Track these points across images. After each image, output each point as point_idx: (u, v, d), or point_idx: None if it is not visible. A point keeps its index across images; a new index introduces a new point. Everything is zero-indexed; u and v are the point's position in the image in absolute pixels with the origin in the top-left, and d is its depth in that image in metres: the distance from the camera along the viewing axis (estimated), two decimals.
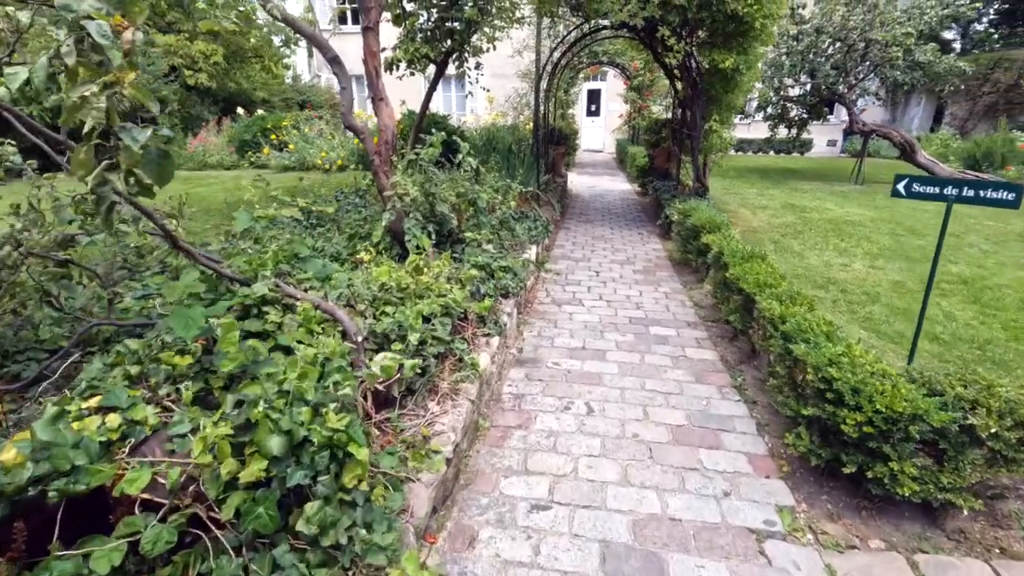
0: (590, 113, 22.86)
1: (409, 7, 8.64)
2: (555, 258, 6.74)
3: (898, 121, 21.61)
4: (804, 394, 2.74)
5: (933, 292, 5.07)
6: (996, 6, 20.17)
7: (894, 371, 2.43)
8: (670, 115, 12.26)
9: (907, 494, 2.26)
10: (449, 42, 8.77)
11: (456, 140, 10.61)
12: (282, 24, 10.09)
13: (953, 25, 10.99)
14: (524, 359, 4.01)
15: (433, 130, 4.79)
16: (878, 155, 19.12)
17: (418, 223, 3.93)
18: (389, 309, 2.86)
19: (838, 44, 11.63)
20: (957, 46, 22.11)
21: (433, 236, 4.01)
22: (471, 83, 9.59)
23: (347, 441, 1.76)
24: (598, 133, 22.91)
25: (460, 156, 4.59)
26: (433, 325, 3.08)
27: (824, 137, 20.60)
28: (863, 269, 5.78)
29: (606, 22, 7.83)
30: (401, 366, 2.26)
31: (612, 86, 21.09)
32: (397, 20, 8.59)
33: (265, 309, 2.48)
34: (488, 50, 9.93)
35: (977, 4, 10.65)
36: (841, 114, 18.81)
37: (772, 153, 20.05)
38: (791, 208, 9.38)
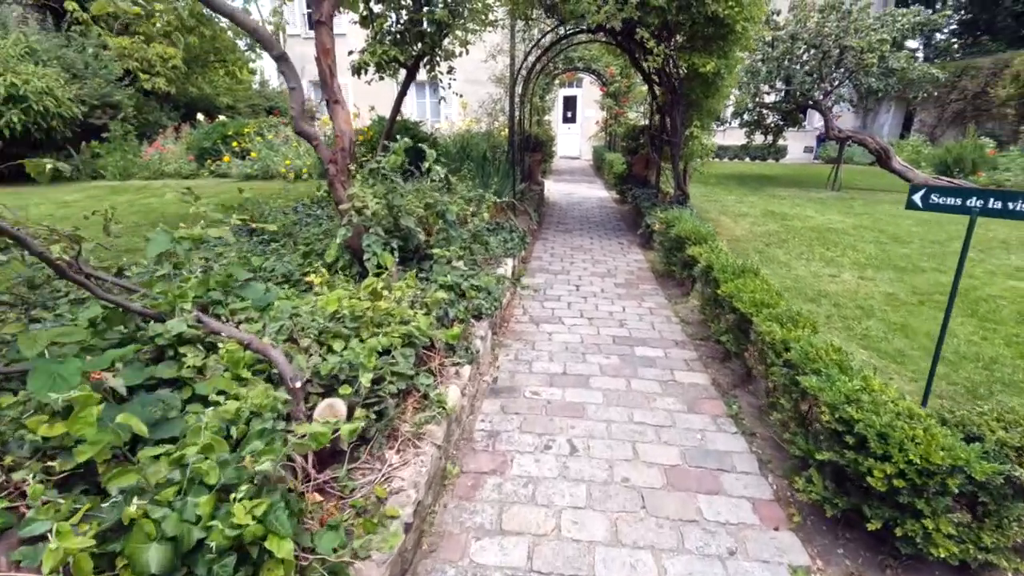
0: (566, 120, 22.70)
1: (377, 8, 8.25)
2: (533, 271, 6.38)
3: (869, 128, 21.93)
4: (815, 432, 2.41)
5: (929, 305, 4.86)
6: (959, 16, 20.63)
7: (923, 412, 2.12)
8: (647, 122, 12.07)
9: (943, 556, 1.94)
10: (420, 45, 8.40)
11: (425, 148, 10.25)
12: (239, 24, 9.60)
13: (917, 34, 10.98)
14: (499, 388, 3.63)
15: (398, 136, 4.39)
16: (851, 161, 19.30)
17: (379, 239, 3.52)
18: (337, 345, 2.45)
19: (813, 51, 11.59)
20: (920, 55, 22.59)
21: (397, 253, 3.61)
22: (443, 88, 9.23)
23: (264, 535, 1.35)
24: (574, 140, 22.75)
25: (427, 164, 4.20)
26: (393, 358, 2.68)
27: (799, 144, 20.76)
28: (853, 280, 5.55)
29: (583, 25, 7.55)
30: (337, 430, 1.86)
31: (588, 93, 20.96)
32: (364, 22, 8.20)
33: (183, 350, 2.05)
34: (461, 54, 9.60)
35: (947, 12, 10.70)
36: (814, 121, 18.98)
37: (748, 159, 20.10)
38: (772, 216, 9.20)
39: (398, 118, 11.17)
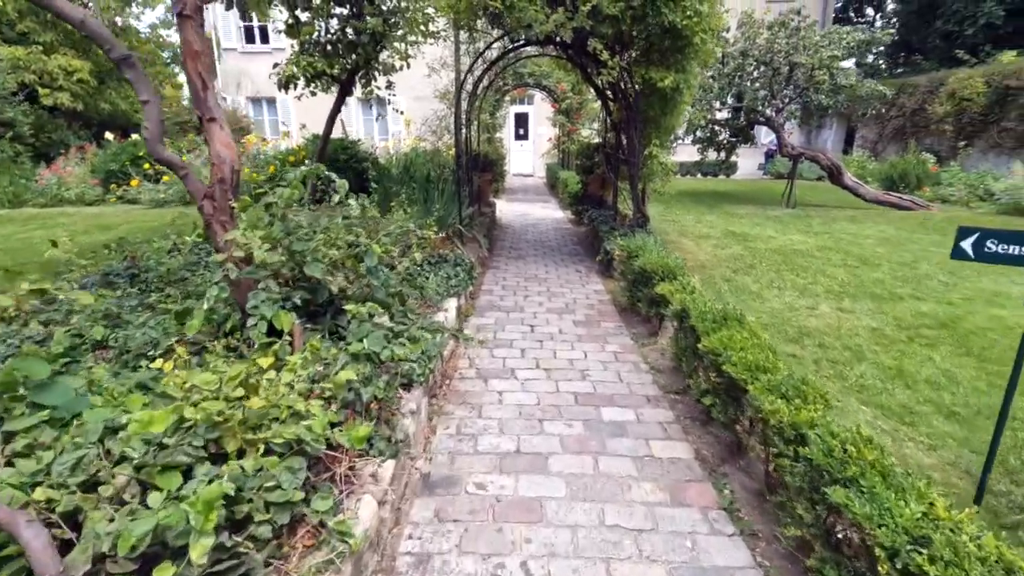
0: (519, 137, 22.28)
1: (304, 16, 7.44)
2: (482, 309, 5.64)
3: (813, 144, 22.46)
4: (857, 570, 1.75)
5: (919, 341, 4.39)
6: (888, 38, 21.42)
7: (1018, 558, 1.48)
8: (601, 139, 11.66)
9: None
10: (353, 57, 7.62)
11: (368, 169, 9.39)
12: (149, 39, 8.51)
13: (865, 52, 11.03)
14: (435, 481, 2.85)
15: (303, 166, 3.59)
16: (800, 176, 19.56)
17: (271, 297, 2.71)
18: (167, 482, 1.63)
19: (763, 67, 11.47)
20: (853, 75, 23.41)
21: (294, 315, 2.80)
22: (383, 104, 8.45)
23: None
24: (527, 157, 22.33)
25: (337, 197, 3.43)
26: (272, 479, 1.88)
27: (749, 160, 20.98)
28: (832, 313, 5.08)
29: (530, 36, 6.98)
30: None
31: (540, 109, 20.60)
32: (291, 31, 7.37)
33: None
34: (401, 68, 8.88)
35: (890, 31, 10.78)
36: (762, 136, 19.17)
37: (700, 176, 20.12)
38: (733, 237, 8.82)
39: (336, 136, 10.32)
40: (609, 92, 7.66)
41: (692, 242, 8.43)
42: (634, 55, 6.36)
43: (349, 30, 7.44)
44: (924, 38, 17.62)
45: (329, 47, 7.77)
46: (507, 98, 17.68)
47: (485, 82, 8.96)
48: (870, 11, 23.57)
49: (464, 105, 8.45)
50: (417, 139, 14.31)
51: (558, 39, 6.61)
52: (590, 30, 5.78)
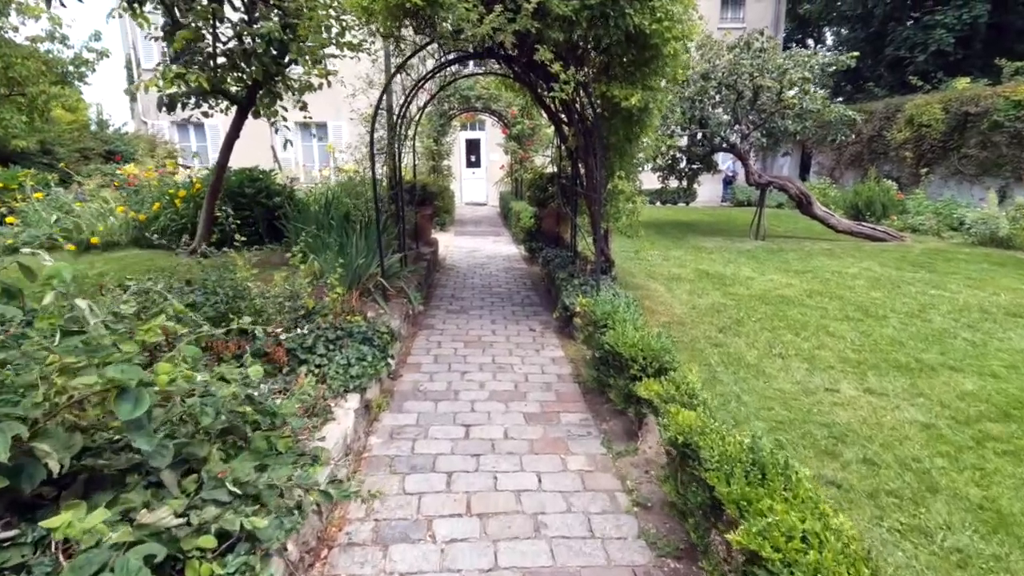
0: (470, 164, 21.13)
1: (188, 19, 5.99)
2: (402, 397, 4.21)
3: (769, 171, 22.22)
4: None
5: (993, 447, 3.22)
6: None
7: None
8: (556, 168, 10.55)
9: None
10: (251, 70, 6.19)
11: (283, 205, 7.84)
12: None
13: (828, 76, 10.38)
14: None
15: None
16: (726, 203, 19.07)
17: None
18: None
19: (725, 91, 10.67)
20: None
21: None
22: (286, 127, 7.03)
23: None
24: (480, 185, 21.17)
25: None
26: None
27: (707, 187, 20.42)
28: (861, 398, 3.89)
29: (466, 46, 5.74)
30: None
31: (492, 135, 19.54)
32: (168, 35, 5.90)
33: None
34: (321, 87, 7.51)
35: (855, 54, 10.18)
36: (719, 163, 18.60)
37: (660, 204, 19.38)
38: (708, 278, 7.71)
39: (258, 164, 8.74)
40: (563, 115, 6.48)
41: (663, 286, 7.26)
42: (592, 70, 5.19)
43: (247, 38, 6.02)
44: (874, 65, 17.61)
45: (222, 58, 6.32)
46: (456, 123, 16.52)
47: (420, 102, 7.67)
48: (810, 42, 23.92)
49: (400, 130, 7.13)
50: (354, 168, 12.86)
51: (499, 50, 5.40)
52: (537, 35, 4.57)
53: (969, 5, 14.41)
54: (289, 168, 16.33)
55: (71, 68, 9.51)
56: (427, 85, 8.19)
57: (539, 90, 6.75)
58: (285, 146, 7.14)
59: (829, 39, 20.67)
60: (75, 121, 14.17)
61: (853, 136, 11.35)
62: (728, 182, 19.93)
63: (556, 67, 4.59)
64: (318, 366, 3.66)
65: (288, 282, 4.61)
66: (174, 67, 5.57)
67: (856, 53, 10.42)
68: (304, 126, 20.87)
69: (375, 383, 3.99)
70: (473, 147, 20.89)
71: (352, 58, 7.32)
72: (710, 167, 12.54)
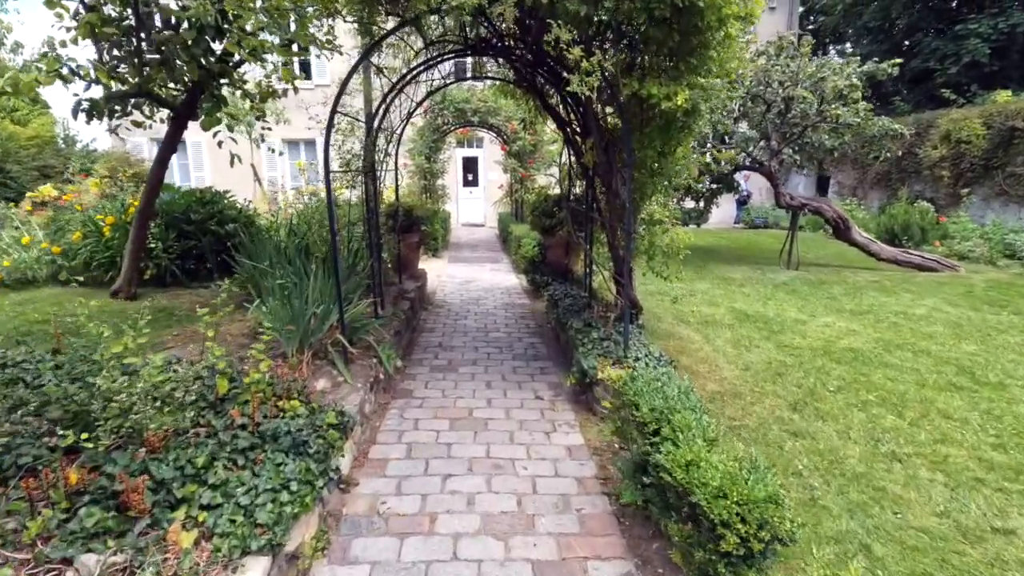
0: (467, 183, 19.94)
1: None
2: (351, 529, 2.83)
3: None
4: None
5: None
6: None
7: None
8: (560, 188, 9.28)
9: None
10: (185, 67, 4.94)
11: (238, 233, 6.45)
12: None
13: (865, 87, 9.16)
14: None
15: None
16: (777, 226, 17.86)
17: None
18: None
19: (750, 103, 9.46)
20: None
21: None
22: (236, 135, 5.77)
23: None
24: (478, 205, 19.94)
25: None
26: None
27: (720, 208, 19.22)
28: None
29: (450, 29, 4.50)
30: None
31: (490, 152, 18.37)
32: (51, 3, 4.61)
33: None
34: (286, 93, 6.30)
35: (898, 61, 9.00)
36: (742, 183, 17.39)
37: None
38: (749, 321, 6.38)
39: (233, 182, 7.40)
40: (576, 124, 5.21)
41: (698, 334, 5.92)
42: (622, 62, 3.91)
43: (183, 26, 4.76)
44: (896, 78, 16.55)
45: (133, 48, 5.05)
46: (451, 140, 15.34)
47: (398, 109, 6.40)
48: (832, 53, 22.88)
49: (354, 144, 5.88)
50: (341, 186, 11.60)
51: (496, 40, 4.16)
52: (548, 6, 3.30)
53: (1006, 13, 13.35)
54: (278, 189, 15.08)
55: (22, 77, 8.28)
56: (414, 93, 6.95)
57: (546, 95, 5.50)
58: (232, 162, 5.85)
59: (844, 51, 19.65)
60: (36, 137, 12.96)
61: (894, 152, 10.13)
62: (742, 203, 18.73)
63: (575, 52, 3.31)
64: (206, 507, 2.29)
65: (214, 343, 3.28)
66: (48, 57, 4.29)
67: (899, 60, 9.24)
68: (292, 144, 19.75)
69: (309, 515, 2.62)
70: (470, 165, 19.73)
71: (320, 56, 6.11)
72: (731, 187, 11.30)
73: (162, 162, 5.45)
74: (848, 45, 18.83)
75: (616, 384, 3.31)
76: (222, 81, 5.38)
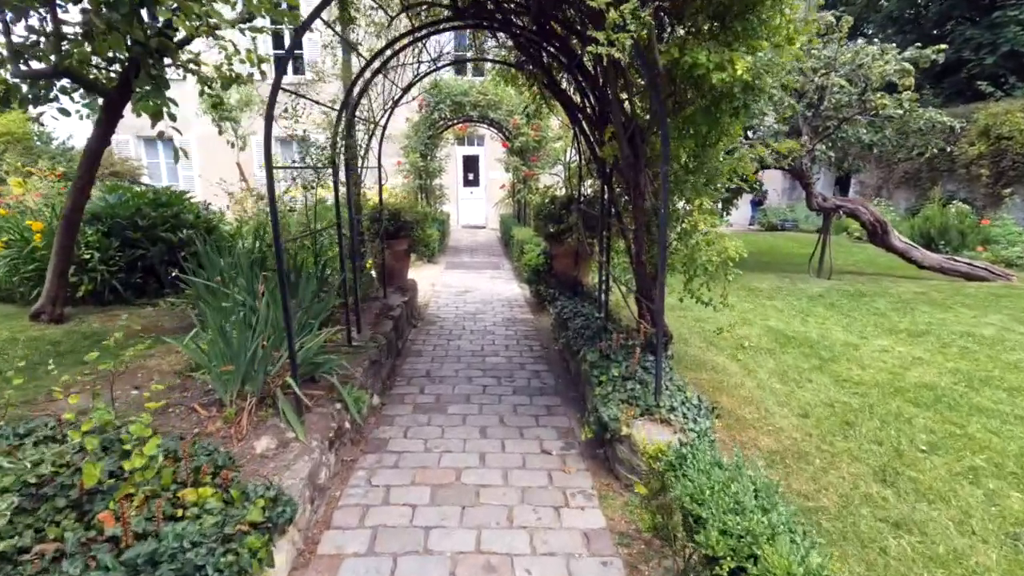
0: (468, 183, 19.02)
1: None
2: None
3: (797, 191, 20.04)
4: None
5: None
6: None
7: None
8: (574, 191, 8.34)
9: None
10: (108, 39, 4.01)
11: (194, 242, 5.48)
12: None
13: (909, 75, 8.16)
14: None
15: None
16: (795, 229, 16.88)
17: None
18: None
19: (779, 92, 8.49)
20: None
21: None
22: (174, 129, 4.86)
23: None
24: (479, 206, 19.02)
25: None
26: None
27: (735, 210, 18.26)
28: None
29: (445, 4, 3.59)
30: None
31: (491, 150, 17.44)
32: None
33: None
34: (252, 77, 5.45)
35: (942, 47, 8.02)
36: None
37: None
38: (792, 345, 5.44)
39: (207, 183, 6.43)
40: (591, 108, 4.28)
41: (733, 362, 4.97)
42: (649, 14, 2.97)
43: None
44: (926, 69, 15.52)
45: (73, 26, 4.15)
46: (450, 136, 14.42)
47: (378, 93, 5.49)
48: (860, 40, 21.75)
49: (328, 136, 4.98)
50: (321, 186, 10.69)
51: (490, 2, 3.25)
52: None
53: None
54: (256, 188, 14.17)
55: None
56: (400, 79, 6.04)
57: (554, 75, 4.57)
58: (178, 157, 4.95)
59: (871, 42, 18.57)
60: (6, 134, 12.11)
61: (941, 148, 9.15)
62: (758, 203, 17.75)
63: (600, 1, 2.38)
64: None
65: (101, 398, 2.37)
66: None
67: (943, 46, 8.25)
68: (284, 141, 18.87)
69: None
70: (471, 164, 18.81)
71: (283, 29, 5.23)
72: (753, 188, 10.34)
73: (92, 156, 4.53)
74: (864, 38, 17.82)
75: (654, 462, 2.38)
76: (166, 62, 4.46)
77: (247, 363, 3.29)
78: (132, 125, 11.14)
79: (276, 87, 2.95)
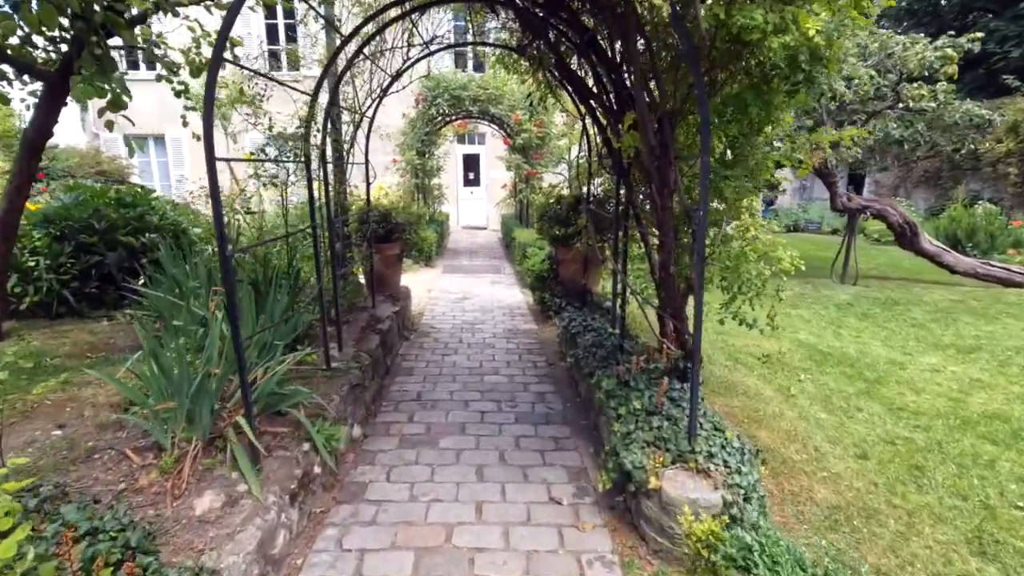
0: (468, 182, 18.40)
1: None
2: None
3: (808, 191, 19.41)
4: None
5: None
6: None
7: None
8: (572, 187, 7.75)
9: None
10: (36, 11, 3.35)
11: (157, 247, 4.91)
12: None
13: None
14: None
15: None
16: (807, 230, 16.25)
17: None
18: None
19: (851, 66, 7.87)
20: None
21: None
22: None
23: None
24: (480, 207, 18.40)
25: None
26: None
27: None
28: None
29: None
30: None
31: (492, 149, 16.82)
32: None
33: None
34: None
35: (979, 35, 7.39)
36: None
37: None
38: (829, 363, 4.84)
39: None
40: (606, 93, 3.68)
41: (767, 384, 4.37)
42: None
43: None
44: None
45: None
46: (450, 134, 13.83)
47: (372, 83, 4.90)
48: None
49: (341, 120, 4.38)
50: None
51: None
52: None
53: None
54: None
55: None
56: (389, 65, 5.44)
57: (562, 49, 3.97)
58: (132, 152, 4.36)
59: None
60: None
61: (985, 143, 8.55)
62: (768, 203, 17.14)
63: None
64: None
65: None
66: None
67: (980, 34, 7.62)
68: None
69: None
70: (471, 163, 18.19)
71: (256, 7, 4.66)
72: (772, 187, 9.72)
73: (31, 149, 3.94)
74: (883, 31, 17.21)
75: (704, 549, 1.78)
76: (107, 34, 3.86)
77: (192, 397, 2.69)
78: (123, 122, 10.43)
79: (216, 64, 2.35)
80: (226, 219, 3.68)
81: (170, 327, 3.36)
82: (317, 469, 3.02)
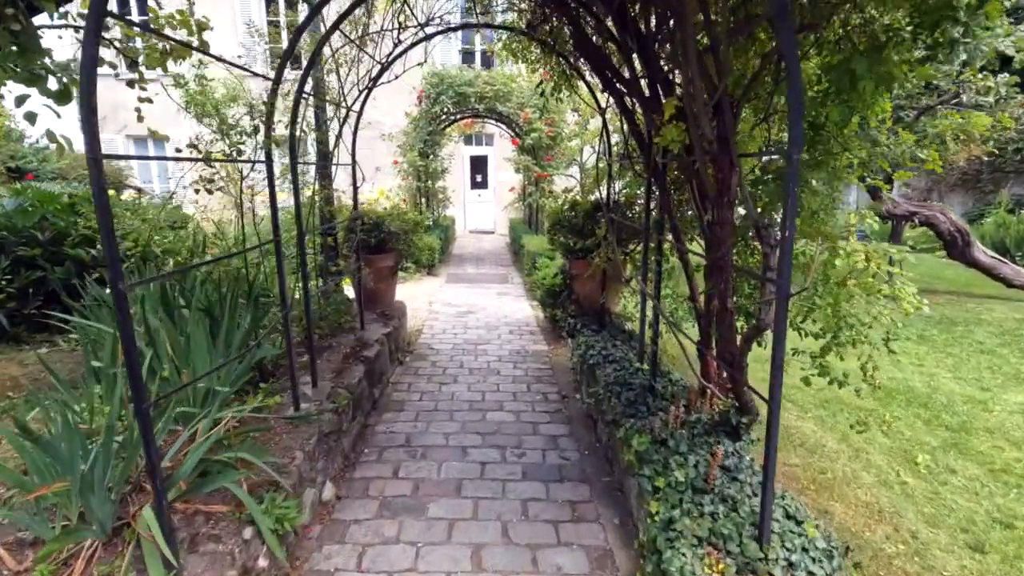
0: (476, 185, 17.72)
1: None
2: None
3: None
4: None
5: None
6: None
7: None
8: (584, 190, 7.02)
9: None
10: None
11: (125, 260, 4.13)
12: None
13: None
14: None
15: None
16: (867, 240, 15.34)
17: None
18: None
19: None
20: None
21: None
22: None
23: None
24: (487, 210, 17.72)
25: None
26: None
27: None
28: None
29: None
30: None
31: (500, 150, 16.13)
32: None
33: None
34: (189, 52, 4.17)
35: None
36: None
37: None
38: (895, 402, 4.08)
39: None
40: (633, 76, 2.96)
41: (828, 433, 3.61)
42: None
43: None
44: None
45: None
46: (456, 134, 13.14)
47: (359, 71, 4.20)
48: None
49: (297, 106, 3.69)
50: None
51: None
52: None
53: None
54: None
55: None
56: (378, 52, 4.75)
57: (582, 22, 3.26)
58: (62, 151, 3.66)
59: None
60: None
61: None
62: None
63: None
64: None
65: None
66: None
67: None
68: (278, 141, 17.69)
69: None
70: (479, 165, 17.51)
71: None
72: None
73: None
74: None
75: None
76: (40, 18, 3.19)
77: (87, 477, 1.99)
78: (119, 122, 9.71)
79: (97, 32, 1.65)
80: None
81: (89, 368, 2.68)
82: (263, 563, 2.31)
